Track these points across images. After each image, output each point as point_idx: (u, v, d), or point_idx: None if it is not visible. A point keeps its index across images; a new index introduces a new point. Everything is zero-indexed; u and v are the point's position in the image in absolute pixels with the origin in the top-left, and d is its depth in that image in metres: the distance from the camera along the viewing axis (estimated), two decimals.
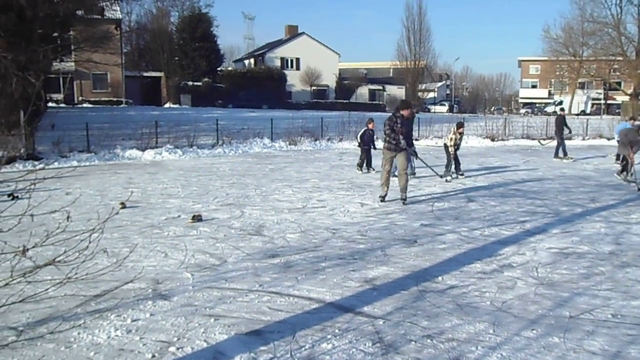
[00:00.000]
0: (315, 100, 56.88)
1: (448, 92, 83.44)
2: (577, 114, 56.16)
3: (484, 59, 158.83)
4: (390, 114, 9.47)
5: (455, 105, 67.51)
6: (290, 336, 3.92)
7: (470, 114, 52.53)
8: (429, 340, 3.87)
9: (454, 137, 12.58)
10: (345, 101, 56.07)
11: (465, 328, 4.10)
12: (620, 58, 55.79)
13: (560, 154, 17.04)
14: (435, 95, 72.11)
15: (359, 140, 13.58)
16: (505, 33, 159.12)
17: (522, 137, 25.55)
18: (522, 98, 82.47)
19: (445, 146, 12.82)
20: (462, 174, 12.65)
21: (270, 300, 4.65)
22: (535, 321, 4.25)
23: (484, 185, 11.51)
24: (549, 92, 78.21)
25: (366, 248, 6.43)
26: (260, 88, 49.57)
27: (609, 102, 68.25)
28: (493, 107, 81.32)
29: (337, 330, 4.02)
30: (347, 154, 18.47)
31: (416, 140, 22.83)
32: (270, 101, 48.60)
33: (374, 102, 61.20)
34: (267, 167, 14.26)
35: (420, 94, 61.48)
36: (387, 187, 9.32)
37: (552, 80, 74.81)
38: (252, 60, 64.98)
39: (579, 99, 67.18)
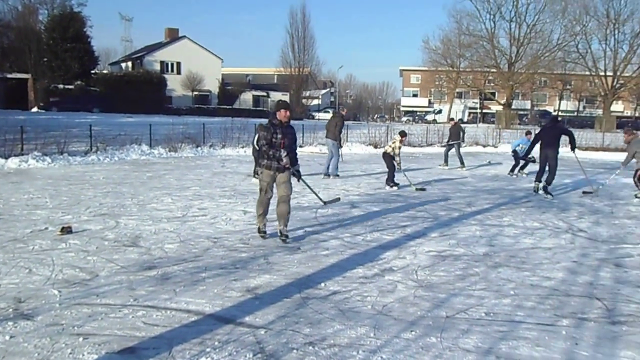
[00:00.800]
0: (198, 105, 55.87)
1: (332, 99, 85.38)
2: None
3: (368, 68, 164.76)
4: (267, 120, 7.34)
5: (336, 111, 69.21)
6: (166, 352, 3.78)
7: (354, 122, 54.05)
8: (310, 347, 3.89)
9: (398, 145, 12.54)
10: (228, 107, 55.67)
11: (347, 333, 4.17)
12: (494, 70, 60.26)
13: (458, 163, 17.65)
14: (320, 103, 73.51)
15: (256, 147, 13.46)
16: (388, 43, 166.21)
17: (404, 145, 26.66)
18: (403, 106, 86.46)
19: (386, 155, 12.66)
20: (395, 185, 12.53)
21: (146, 315, 4.46)
22: (414, 322, 4.42)
23: (367, 191, 11.87)
24: (429, 101, 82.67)
25: (248, 256, 6.37)
26: (138, 92, 47.76)
27: (484, 111, 73.22)
28: (376, 115, 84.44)
29: (216, 343, 3.93)
30: (230, 160, 18.30)
31: (300, 147, 23.26)
32: (149, 106, 46.95)
33: (258, 109, 61.23)
34: (145, 175, 13.76)
35: (304, 100, 62.42)
36: (266, 217, 7.37)
37: (432, 90, 79.10)
38: (129, 64, 62.66)
39: (457, 107, 71.46)
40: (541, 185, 12.05)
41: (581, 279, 5.85)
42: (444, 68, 64.52)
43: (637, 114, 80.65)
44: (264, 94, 68.16)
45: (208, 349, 3.82)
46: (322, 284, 5.37)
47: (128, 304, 4.70)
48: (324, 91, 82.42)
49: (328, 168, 14.21)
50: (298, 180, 7.47)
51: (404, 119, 72.72)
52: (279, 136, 6.98)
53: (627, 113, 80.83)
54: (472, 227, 8.43)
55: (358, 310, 4.67)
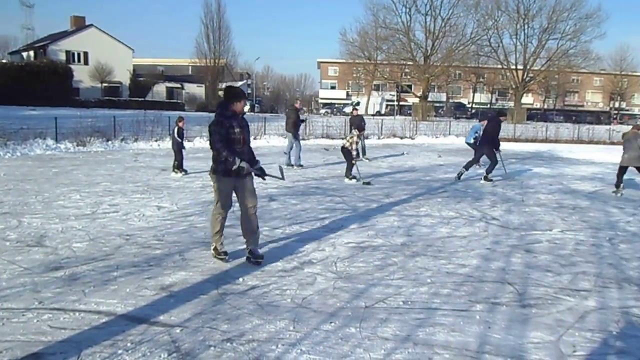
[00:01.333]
0: (107, 97, 53.98)
1: (249, 91, 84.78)
2: (373, 115, 60.83)
3: (285, 60, 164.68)
4: (215, 115, 5.88)
5: (256, 105, 68.81)
6: (74, 356, 3.64)
7: (272, 114, 53.98)
8: (228, 344, 3.86)
9: (355, 140, 12.55)
10: (140, 99, 54.16)
11: (266, 327, 4.17)
12: (411, 62, 61.78)
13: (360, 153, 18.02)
14: None
15: (177, 140, 13.12)
16: (305, 35, 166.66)
17: (322, 137, 26.98)
18: (322, 98, 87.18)
19: (344, 149, 12.65)
20: (354, 178, 12.71)
21: (52, 318, 4.27)
22: (334, 314, 4.48)
23: (285, 184, 11.88)
24: (347, 93, 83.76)
25: (163, 253, 6.23)
26: (42, 83, 45.40)
27: (401, 103, 75.06)
28: None
29: (129, 344, 3.82)
30: (143, 154, 17.82)
31: None
32: (54, 98, 44.73)
33: (172, 101, 59.91)
34: (50, 171, 13.13)
35: (220, 93, 61.55)
36: (223, 235, 6.11)
37: (350, 82, 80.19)
38: (31, 53, 59.62)
39: (375, 100, 72.95)
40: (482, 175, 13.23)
41: (494, 265, 6.12)
42: (361, 60, 65.47)
43: (545, 106, 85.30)
44: (178, 85, 66.77)
45: (120, 351, 3.71)
46: (240, 279, 5.34)
47: (32, 307, 4.48)
48: (240, 83, 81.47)
49: (290, 159, 14.97)
50: (264, 179, 6.30)
51: (322, 111, 73.36)
52: (237, 130, 5.70)
53: (536, 105, 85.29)
54: (390, 217, 8.62)
55: (277, 304, 4.68)
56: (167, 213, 8.49)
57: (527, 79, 64.08)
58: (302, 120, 16.14)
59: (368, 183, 12.39)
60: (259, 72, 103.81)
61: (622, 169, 11.96)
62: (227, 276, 5.44)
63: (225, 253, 5.99)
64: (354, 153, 12.54)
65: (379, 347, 3.89)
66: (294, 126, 14.98)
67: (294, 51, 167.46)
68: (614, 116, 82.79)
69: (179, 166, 13.06)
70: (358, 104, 70.96)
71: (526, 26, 62.58)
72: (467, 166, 13.50)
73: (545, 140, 34.20)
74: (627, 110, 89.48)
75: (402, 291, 5.12)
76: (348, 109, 68.00)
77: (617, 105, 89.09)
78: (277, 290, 5.07)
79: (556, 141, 33.62)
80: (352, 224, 8.06)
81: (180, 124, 13.19)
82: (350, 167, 12.71)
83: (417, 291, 5.14)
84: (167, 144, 21.09)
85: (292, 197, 10.22)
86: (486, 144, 13.31)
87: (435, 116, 55.62)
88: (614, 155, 24.49)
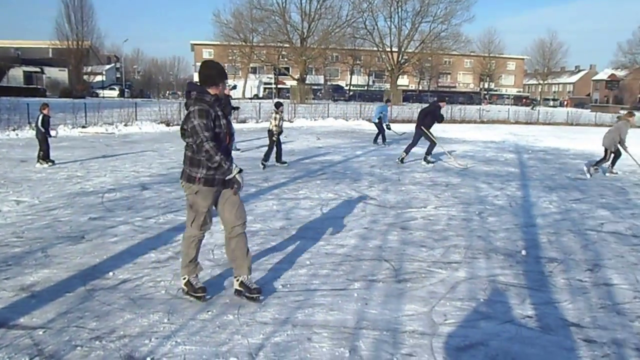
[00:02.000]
0: None
1: (118, 75, 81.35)
2: (251, 98, 60.60)
3: (157, 42, 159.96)
4: (195, 101, 4.36)
5: (126, 90, 66.15)
6: None
7: (144, 99, 52.18)
8: (97, 342, 3.71)
9: (278, 117, 12.71)
10: None
11: (138, 322, 4.05)
12: (287, 45, 61.96)
13: None
14: (104, 79, 69.51)
15: (42, 129, 12.26)
16: (178, 16, 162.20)
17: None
18: (196, 82, 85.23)
19: (270, 132, 12.68)
20: (285, 163, 12.81)
21: None
22: (211, 302, 4.44)
23: (159, 171, 11.56)
24: None
25: (23, 251, 5.83)
26: None
27: (279, 86, 75.18)
28: (168, 92, 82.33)
29: None
30: None
31: (84, 127, 21.87)
32: None
33: (31, 86, 55.90)
34: None
35: (86, 77, 58.62)
36: (200, 264, 4.74)
37: (226, 65, 79.03)
38: None
39: (252, 83, 72.62)
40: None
41: (371, 243, 6.34)
42: (237, 43, 64.82)
43: (420, 88, 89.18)
44: (37, 69, 62.40)
45: None
46: (110, 273, 5.13)
47: None
48: (108, 66, 78.11)
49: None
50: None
51: None
52: (223, 122, 4.42)
53: (412, 87, 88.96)
54: (269, 202, 8.66)
55: (151, 297, 4.56)
56: (27, 208, 7.96)
57: (402, 61, 66.54)
58: (235, 108, 16.19)
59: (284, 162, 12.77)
60: (129, 55, 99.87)
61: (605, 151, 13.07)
62: (96, 271, 5.20)
63: (204, 290, 4.52)
64: (274, 129, 12.71)
65: (257, 332, 3.91)
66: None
67: (166, 33, 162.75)
68: (485, 97, 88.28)
69: (44, 156, 12.27)
70: (235, 87, 70.45)
71: (400, 9, 64.89)
72: (407, 150, 13.92)
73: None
74: (496, 90, 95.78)
75: (281, 274, 5.17)
76: (225, 92, 67.33)
77: (486, 86, 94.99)
78: (151, 282, 4.93)
79: None
80: None
81: (45, 111, 12.39)
82: (270, 151, 12.79)
83: (296, 274, 5.21)
84: (27, 133, 19.79)
85: (166, 184, 9.95)
86: (421, 128, 13.81)
87: (313, 99, 56.41)
88: (484, 133, 26.26)
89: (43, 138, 12.24)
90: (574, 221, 7.76)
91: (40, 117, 12.33)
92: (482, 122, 38.29)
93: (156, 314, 4.21)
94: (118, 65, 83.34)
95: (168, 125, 24.53)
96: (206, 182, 4.44)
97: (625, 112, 13.48)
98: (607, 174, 12.78)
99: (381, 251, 6.04)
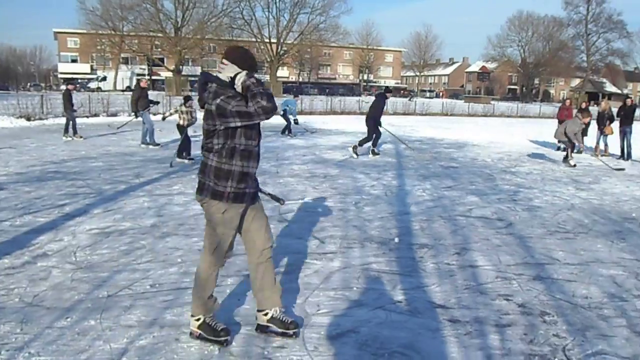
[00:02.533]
0: None
1: None
2: (123, 90, 58.40)
3: (15, 29, 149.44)
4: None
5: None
6: None
7: (1, 91, 48.70)
8: None
9: (185, 110, 12.60)
10: None
11: None
12: (160, 34, 60.30)
13: (70, 132, 16.82)
14: None
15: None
16: (37, 2, 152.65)
17: (63, 115, 25.08)
18: (62, 73, 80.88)
19: (180, 126, 12.66)
20: (191, 159, 12.50)
21: None
22: (71, 308, 4.21)
23: (18, 169, 10.81)
24: (92, 67, 78.95)
25: None
26: None
27: (154, 77, 73.07)
28: (29, 83, 77.51)
29: None
30: None
31: None
32: None
33: None
34: None
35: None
36: (216, 300, 3.89)
37: (94, 55, 75.67)
38: None
39: (124, 74, 69.93)
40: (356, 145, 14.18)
41: None
42: (105, 31, 62.12)
43: (301, 79, 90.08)
44: None
45: None
46: None
47: None
48: None
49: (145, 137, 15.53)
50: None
51: (63, 87, 68.21)
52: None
53: (292, 78, 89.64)
54: (140, 198, 8.37)
55: (2, 306, 4.24)
56: None
57: (282, 52, 66.94)
58: (153, 102, 16.35)
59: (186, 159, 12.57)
60: None
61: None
62: None
63: (227, 332, 3.72)
64: (183, 122, 12.85)
65: (121, 335, 3.75)
66: (138, 104, 15.72)
67: (24, 19, 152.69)
68: (367, 88, 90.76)
69: None
70: (104, 78, 67.68)
71: (278, 0, 65.10)
72: (361, 142, 14.21)
73: (301, 112, 35.94)
74: (375, 82, 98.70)
75: (150, 274, 5.01)
76: (94, 84, 64.52)
77: (365, 77, 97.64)
78: (3, 290, 4.58)
79: (311, 113, 35.62)
80: (96, 208, 7.64)
81: None
82: (183, 145, 12.64)
83: (166, 272, 5.07)
84: None
85: (24, 184, 9.32)
86: (372, 120, 14.09)
87: (190, 90, 55.24)
88: (364, 124, 26.92)
89: None
90: (445, 208, 8.15)
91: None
92: (362, 113, 39.23)
93: (8, 324, 3.92)
94: None
95: (29, 119, 23.03)
96: (236, 197, 3.60)
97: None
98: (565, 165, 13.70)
99: None
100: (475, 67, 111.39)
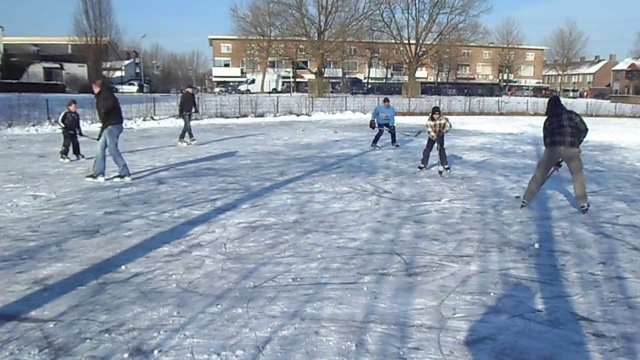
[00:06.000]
0: None
1: (138, 70, 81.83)
2: (269, 92, 60.67)
3: (175, 37, 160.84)
4: None
5: (145, 85, 66.52)
6: None
7: (163, 94, 52.42)
8: (106, 335, 3.74)
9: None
10: (14, 81, 50.68)
11: (148, 315, 4.07)
12: (305, 38, 61.91)
13: (186, 137, 16.23)
14: (123, 74, 70.03)
15: (61, 125, 12.47)
16: (196, 11, 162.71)
17: (216, 116, 26.60)
18: (215, 77, 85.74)
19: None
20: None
21: None
22: (221, 296, 4.45)
23: (176, 165, 11.63)
24: (242, 70, 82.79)
25: (38, 245, 5.90)
26: None
27: (298, 80, 75.18)
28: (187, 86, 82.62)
29: None
30: (18, 141, 16.74)
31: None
32: None
33: (50, 82, 56.59)
34: None
35: (105, 72, 59.07)
36: None
37: (244, 59, 79.33)
38: None
39: (270, 77, 72.62)
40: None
41: (384, 237, 6.32)
42: (255, 37, 64.92)
43: (439, 80, 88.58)
44: (57, 65, 63.15)
45: None
46: (123, 267, 5.17)
47: None
48: (127, 62, 78.64)
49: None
50: None
51: (217, 89, 72.13)
52: None
53: (430, 79, 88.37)
54: (284, 195, 8.66)
55: (161, 290, 4.59)
56: (44, 202, 8.05)
57: (420, 53, 66.11)
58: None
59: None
60: (147, 50, 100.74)
61: None
62: (109, 265, 5.25)
63: None
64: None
65: (265, 325, 3.92)
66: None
67: (185, 28, 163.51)
68: (508, 88, 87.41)
69: (69, 151, 12.36)
70: (253, 81, 70.58)
71: (417, 1, 64.43)
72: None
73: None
74: (515, 81, 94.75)
75: (292, 268, 5.17)
76: (243, 87, 67.57)
77: (505, 77, 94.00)
78: (162, 276, 4.96)
79: (449, 113, 34.86)
80: (244, 203, 8.02)
81: (71, 108, 12.52)
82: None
83: (307, 267, 5.21)
84: (47, 128, 20.05)
85: (182, 179, 10.01)
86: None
87: (331, 92, 56.26)
88: (503, 125, 26.02)
89: (66, 134, 12.37)
90: (589, 214, 7.64)
91: (62, 114, 12.47)
92: (501, 114, 37.94)
93: (166, 307, 4.23)
94: (137, 60, 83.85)
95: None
96: None
97: None
98: None
99: (393, 245, 6.01)
100: (623, 65, 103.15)
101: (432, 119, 11.01)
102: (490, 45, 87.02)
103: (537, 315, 4.16)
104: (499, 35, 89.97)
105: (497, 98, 51.78)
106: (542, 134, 7.93)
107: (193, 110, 16.45)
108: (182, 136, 16.21)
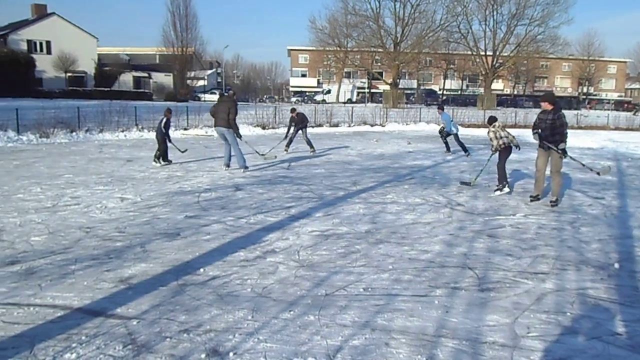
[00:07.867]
0: (72, 88, 52.80)
1: (219, 80, 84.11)
2: (345, 102, 60.95)
3: (255, 48, 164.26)
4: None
5: (226, 94, 68.27)
6: (27, 350, 3.60)
7: (242, 102, 53.60)
8: (185, 335, 3.86)
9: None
10: (106, 89, 53.18)
11: (224, 317, 4.17)
12: (381, 50, 61.86)
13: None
14: (206, 84, 72.21)
15: (163, 130, 13.03)
16: (275, 22, 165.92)
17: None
18: (292, 86, 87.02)
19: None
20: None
21: (6, 313, 4.21)
22: (294, 302, 4.50)
23: (252, 173, 11.86)
24: (318, 81, 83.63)
25: (124, 245, 6.17)
26: (3, 74, 44.06)
27: (372, 90, 75.25)
28: (265, 96, 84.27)
29: (83, 337, 3.79)
30: (108, 145, 17.56)
31: (185, 129, 22.82)
32: (16, 89, 43.41)
33: (139, 90, 59.01)
34: (11, 164, 12.88)
35: (189, 82, 61.10)
36: None
37: (321, 70, 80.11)
38: None
39: (346, 87, 72.94)
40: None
41: (456, 250, 6.20)
42: (332, 48, 65.47)
43: (515, 92, 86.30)
44: (145, 74, 65.78)
45: (74, 344, 3.69)
46: (201, 270, 5.32)
47: None
48: (209, 71, 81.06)
49: (229, 159, 12.57)
50: None
51: (293, 99, 73.16)
52: None
53: (506, 91, 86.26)
54: (356, 205, 8.66)
55: (237, 294, 4.69)
56: (130, 204, 8.40)
57: (497, 65, 64.70)
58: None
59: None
60: (229, 60, 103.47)
61: None
62: (188, 267, 5.41)
63: None
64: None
65: (336, 333, 3.93)
66: (233, 121, 14.07)
67: (264, 39, 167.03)
68: (587, 101, 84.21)
69: (162, 156, 12.96)
70: (329, 91, 71.08)
71: (495, 12, 63.06)
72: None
73: (515, 125, 34.59)
74: (595, 95, 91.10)
75: (364, 278, 5.16)
76: (319, 97, 68.18)
77: (585, 90, 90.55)
78: (238, 280, 5.07)
79: (525, 126, 33.85)
80: (317, 212, 8.08)
81: (169, 115, 13.21)
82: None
83: (378, 278, 5.19)
84: (135, 134, 20.90)
85: (258, 186, 10.20)
86: None
87: (406, 103, 55.89)
88: (581, 139, 25.02)
89: (162, 139, 12.92)
90: None
91: (164, 121, 13.05)
92: (580, 127, 36.51)
93: (241, 310, 4.32)
94: (219, 70, 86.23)
95: (264, 128, 25.13)
96: None
97: None
98: None
99: (466, 258, 5.89)
100: None
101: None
102: (570, 57, 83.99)
103: (617, 339, 3.97)
104: (579, 46, 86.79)
105: (575, 111, 49.93)
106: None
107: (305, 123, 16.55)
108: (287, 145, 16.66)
